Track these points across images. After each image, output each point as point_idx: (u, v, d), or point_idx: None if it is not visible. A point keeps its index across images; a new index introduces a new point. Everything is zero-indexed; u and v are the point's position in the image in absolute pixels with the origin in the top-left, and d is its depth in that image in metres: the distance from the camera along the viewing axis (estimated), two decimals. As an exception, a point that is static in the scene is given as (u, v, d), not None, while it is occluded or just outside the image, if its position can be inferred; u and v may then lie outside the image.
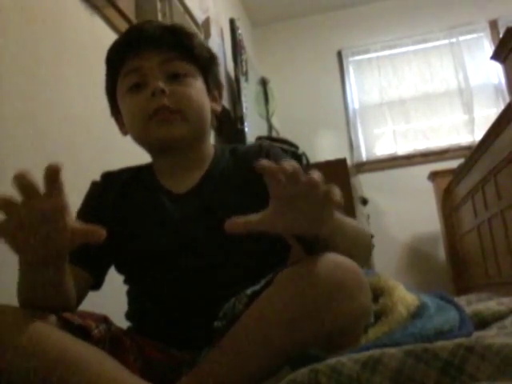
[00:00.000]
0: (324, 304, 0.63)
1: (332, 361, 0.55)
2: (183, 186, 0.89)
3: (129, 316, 0.90)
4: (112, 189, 0.91)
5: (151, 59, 0.85)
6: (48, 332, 0.65)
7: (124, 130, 0.91)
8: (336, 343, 0.61)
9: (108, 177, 0.94)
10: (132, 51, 0.86)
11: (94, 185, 0.94)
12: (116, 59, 0.88)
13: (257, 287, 0.70)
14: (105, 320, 0.75)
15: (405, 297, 0.79)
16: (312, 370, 0.55)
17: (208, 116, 0.90)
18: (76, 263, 0.82)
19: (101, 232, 0.61)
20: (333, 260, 0.67)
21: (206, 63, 0.91)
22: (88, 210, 0.90)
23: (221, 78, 1.00)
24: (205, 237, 0.83)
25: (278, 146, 0.96)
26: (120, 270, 0.90)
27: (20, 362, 0.62)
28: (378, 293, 0.80)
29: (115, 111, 0.92)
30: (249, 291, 0.70)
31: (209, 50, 0.94)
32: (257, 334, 0.63)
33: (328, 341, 0.62)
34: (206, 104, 0.90)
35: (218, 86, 0.97)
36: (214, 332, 0.70)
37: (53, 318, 0.69)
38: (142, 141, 0.89)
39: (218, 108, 0.96)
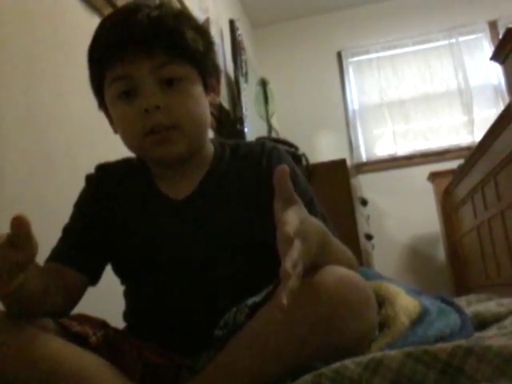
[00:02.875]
0: (328, 320, 0.62)
1: (336, 364, 0.55)
2: (182, 191, 0.84)
3: (126, 317, 0.89)
4: (107, 184, 0.88)
5: (141, 65, 0.76)
6: (46, 339, 0.65)
7: (115, 128, 0.85)
8: (340, 358, 0.59)
9: (102, 169, 0.90)
10: (118, 55, 0.76)
11: (89, 179, 0.90)
12: (100, 62, 0.79)
13: (258, 298, 0.69)
14: (103, 325, 0.75)
15: (407, 305, 0.79)
16: (316, 374, 0.55)
17: (207, 122, 0.84)
18: (68, 265, 0.81)
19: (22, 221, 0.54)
20: (338, 275, 0.65)
21: (201, 57, 0.81)
22: (84, 207, 0.88)
23: (219, 65, 0.90)
24: (203, 245, 0.81)
25: (280, 147, 0.90)
26: (116, 272, 0.89)
27: (17, 370, 0.61)
28: (379, 301, 0.78)
29: (103, 105, 0.84)
30: (250, 302, 0.69)
31: (204, 39, 0.83)
32: (259, 348, 0.63)
33: (332, 356, 0.60)
34: (205, 109, 0.83)
35: (216, 73, 0.88)
36: (214, 340, 0.70)
37: (51, 323, 0.68)
38: (137, 154, 0.85)
39: (217, 99, 0.89)
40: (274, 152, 0.87)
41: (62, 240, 0.86)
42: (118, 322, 0.86)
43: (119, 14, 0.82)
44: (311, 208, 0.83)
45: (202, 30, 0.85)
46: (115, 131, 0.85)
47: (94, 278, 0.86)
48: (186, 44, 0.78)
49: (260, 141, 0.91)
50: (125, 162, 0.92)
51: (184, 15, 0.83)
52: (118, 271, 0.89)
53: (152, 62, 0.76)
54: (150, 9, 0.79)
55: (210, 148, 0.89)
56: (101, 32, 0.80)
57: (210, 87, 0.86)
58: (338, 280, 0.64)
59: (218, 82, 0.89)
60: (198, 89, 0.81)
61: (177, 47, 0.78)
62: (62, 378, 0.62)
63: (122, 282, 0.90)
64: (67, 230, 0.87)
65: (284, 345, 0.62)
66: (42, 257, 0.83)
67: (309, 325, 0.62)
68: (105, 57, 0.78)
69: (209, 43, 0.84)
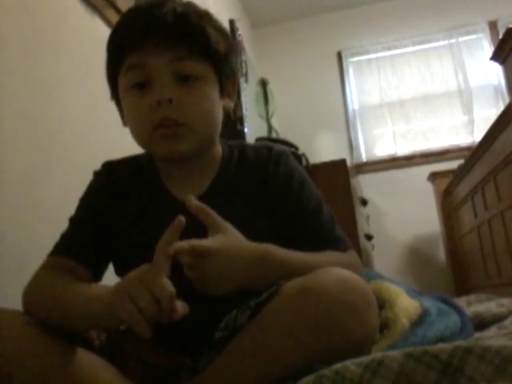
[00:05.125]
0: (329, 323, 0.61)
1: (337, 365, 0.56)
2: (190, 192, 0.81)
3: None
4: (115, 181, 0.87)
5: (159, 56, 0.75)
6: (48, 340, 0.64)
7: (125, 120, 0.84)
8: (341, 361, 0.59)
9: (110, 166, 0.89)
10: (139, 42, 0.76)
11: (97, 175, 0.89)
12: (120, 47, 0.78)
13: (260, 299, 0.69)
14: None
15: (407, 307, 0.78)
16: (317, 375, 0.55)
17: (219, 123, 0.83)
18: (75, 259, 0.80)
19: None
20: (339, 276, 0.65)
21: (221, 59, 0.80)
22: (92, 201, 0.87)
23: (237, 70, 0.91)
24: None
25: (287, 150, 0.90)
26: (119, 271, 0.87)
27: (18, 370, 0.61)
28: (379, 303, 0.78)
29: (116, 96, 0.83)
30: (252, 304, 0.69)
31: (226, 41, 0.82)
32: (259, 351, 0.63)
33: (333, 359, 0.60)
34: (218, 111, 0.82)
35: (233, 77, 0.86)
36: (214, 342, 0.70)
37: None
38: (144, 148, 0.84)
39: (231, 104, 0.87)
40: (282, 158, 0.87)
41: (67, 234, 0.85)
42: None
43: (145, 5, 0.80)
44: (317, 213, 0.83)
45: (225, 33, 0.84)
46: (125, 123, 0.84)
47: (97, 275, 0.84)
48: (207, 42, 0.78)
49: (266, 145, 0.90)
50: (132, 159, 0.90)
51: (209, 15, 0.82)
52: (121, 270, 0.87)
53: (171, 55, 0.76)
54: (176, 5, 0.78)
55: (219, 149, 0.88)
56: (125, 20, 0.80)
57: (226, 91, 0.85)
58: (340, 282, 0.64)
59: (234, 87, 0.88)
60: (214, 90, 0.81)
61: (198, 44, 0.77)
62: (63, 378, 0.62)
63: None
64: (72, 224, 0.86)
65: (285, 347, 0.62)
66: (42, 258, 0.83)
67: (310, 328, 0.62)
68: (126, 43, 0.77)
69: (230, 46, 0.83)
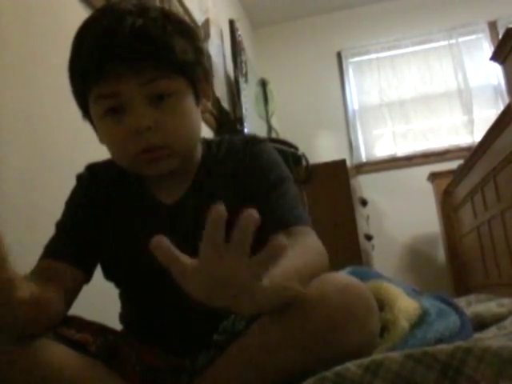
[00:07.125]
0: (331, 332, 0.61)
1: (338, 367, 0.56)
2: (173, 195, 0.83)
3: (122, 318, 0.88)
4: (98, 183, 0.86)
5: (128, 82, 0.71)
6: (45, 345, 0.64)
7: (101, 138, 0.82)
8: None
9: (93, 169, 0.89)
10: (102, 72, 0.71)
11: (80, 178, 0.89)
12: (83, 78, 0.74)
13: None
14: (102, 331, 0.74)
15: (407, 308, 0.78)
16: (319, 377, 0.55)
17: (199, 133, 0.82)
18: (64, 260, 0.79)
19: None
20: (340, 283, 0.64)
21: (191, 68, 0.77)
22: (77, 204, 0.86)
23: (209, 66, 0.87)
24: (196, 247, 0.80)
25: (267, 142, 0.87)
26: (108, 276, 0.86)
27: (14, 376, 0.61)
28: (379, 305, 0.77)
29: (88, 116, 0.81)
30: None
31: (193, 44, 0.78)
32: (259, 356, 0.63)
33: (332, 364, 0.59)
34: (197, 122, 0.80)
35: (206, 75, 0.83)
36: (213, 344, 0.69)
37: (48, 332, 0.67)
38: (127, 169, 0.82)
39: (208, 104, 0.85)
40: (255, 148, 0.84)
41: (56, 237, 0.84)
42: (115, 322, 0.85)
43: (100, 23, 0.74)
44: (280, 192, 0.80)
45: (191, 34, 0.79)
46: (102, 142, 0.82)
47: (88, 274, 0.83)
48: (174, 57, 0.74)
49: (244, 137, 0.89)
50: (115, 162, 0.89)
51: (170, 19, 0.77)
52: (110, 274, 0.86)
53: (139, 79, 0.72)
54: (133, 16, 0.72)
55: (198, 149, 0.87)
56: (82, 45, 0.75)
57: (201, 93, 0.82)
58: (340, 290, 0.63)
59: (209, 84, 0.85)
60: (190, 102, 0.78)
61: (165, 62, 0.73)
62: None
63: (116, 286, 0.88)
64: (60, 228, 0.85)
65: (284, 354, 0.62)
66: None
67: (310, 336, 0.62)
68: (88, 74, 0.73)
69: (198, 48, 0.80)
